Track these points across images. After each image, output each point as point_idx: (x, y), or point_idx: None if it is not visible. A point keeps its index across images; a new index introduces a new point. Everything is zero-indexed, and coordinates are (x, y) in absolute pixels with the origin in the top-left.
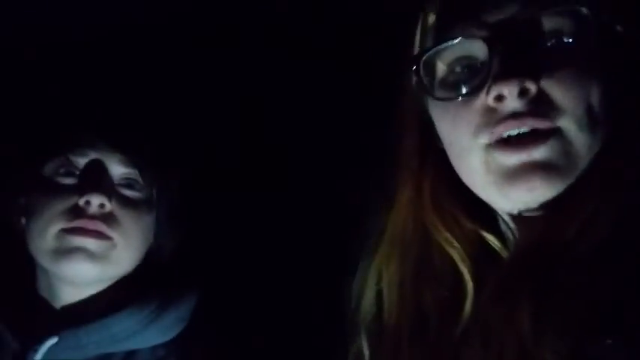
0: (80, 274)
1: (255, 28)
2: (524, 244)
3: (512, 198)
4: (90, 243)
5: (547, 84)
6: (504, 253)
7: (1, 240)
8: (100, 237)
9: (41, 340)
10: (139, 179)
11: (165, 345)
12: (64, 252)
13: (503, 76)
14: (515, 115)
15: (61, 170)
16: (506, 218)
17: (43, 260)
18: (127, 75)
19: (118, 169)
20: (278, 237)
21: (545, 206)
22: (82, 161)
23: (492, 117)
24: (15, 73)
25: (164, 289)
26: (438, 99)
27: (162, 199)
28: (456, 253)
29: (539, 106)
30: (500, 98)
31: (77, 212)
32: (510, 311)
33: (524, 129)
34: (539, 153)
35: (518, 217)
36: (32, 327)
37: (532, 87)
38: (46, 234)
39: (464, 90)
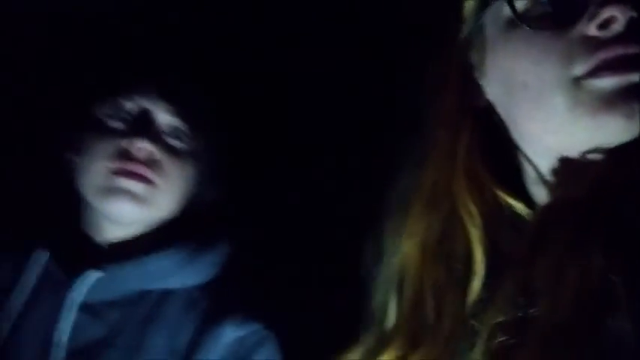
0: (124, 214)
1: None
2: (584, 188)
3: (609, 127)
4: (134, 186)
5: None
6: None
7: (51, 176)
8: (144, 181)
9: (88, 273)
10: (186, 131)
11: (199, 287)
12: (111, 192)
13: (613, 1)
14: (620, 39)
15: (111, 112)
16: (551, 175)
17: (91, 197)
18: (184, 28)
19: (165, 118)
20: (311, 194)
21: (610, 150)
22: (131, 106)
23: (592, 44)
24: (73, 16)
25: (200, 235)
26: (532, 27)
27: (207, 153)
28: (474, 230)
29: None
30: (606, 24)
31: (125, 155)
32: (582, 237)
33: (631, 51)
34: (636, 77)
35: (571, 168)
36: (77, 261)
37: (636, 16)
38: (94, 172)
39: (558, 18)
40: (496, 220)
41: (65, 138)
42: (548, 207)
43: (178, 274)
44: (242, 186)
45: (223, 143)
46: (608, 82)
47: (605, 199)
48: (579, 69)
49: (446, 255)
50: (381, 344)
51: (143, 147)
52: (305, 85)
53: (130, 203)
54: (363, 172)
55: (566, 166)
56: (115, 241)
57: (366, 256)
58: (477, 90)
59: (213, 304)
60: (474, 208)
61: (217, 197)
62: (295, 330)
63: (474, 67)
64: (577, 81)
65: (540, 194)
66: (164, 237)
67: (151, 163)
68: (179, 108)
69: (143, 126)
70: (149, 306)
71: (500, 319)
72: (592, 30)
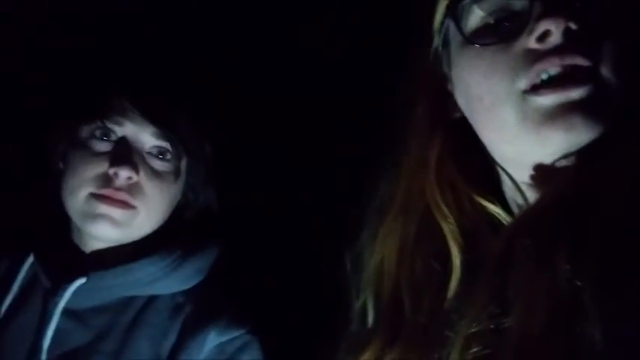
0: (104, 237)
1: None
2: (551, 196)
3: (551, 141)
4: (114, 212)
5: (588, 26)
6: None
7: (40, 183)
8: (124, 206)
9: (71, 280)
10: (172, 150)
11: (184, 293)
12: (91, 216)
13: (549, 14)
14: (557, 51)
15: (97, 133)
16: (522, 182)
17: (73, 216)
18: (166, 49)
19: (150, 140)
20: (294, 201)
21: (578, 154)
22: (117, 129)
23: (532, 57)
24: (60, 34)
25: (187, 242)
26: (479, 44)
27: (192, 169)
28: (449, 230)
29: (581, 44)
30: (544, 37)
31: (106, 180)
32: (547, 247)
33: (567, 61)
34: (577, 93)
35: (538, 175)
36: (64, 268)
37: (574, 27)
38: (77, 195)
39: (503, 34)
40: (473, 223)
41: (54, 148)
42: (518, 218)
43: (164, 280)
44: (227, 193)
45: (209, 155)
46: (547, 100)
47: (572, 207)
48: (523, 82)
49: (423, 255)
50: (361, 343)
51: (125, 174)
52: (291, 91)
53: (110, 227)
54: (342, 180)
55: (535, 174)
56: (101, 249)
57: (346, 259)
58: (450, 101)
59: (198, 310)
60: (447, 211)
61: (203, 205)
62: (279, 335)
63: (446, 79)
64: (523, 95)
65: (517, 200)
66: (150, 243)
67: (131, 187)
68: (166, 131)
69: (126, 151)
70: (134, 312)
71: (474, 329)
72: (532, 43)
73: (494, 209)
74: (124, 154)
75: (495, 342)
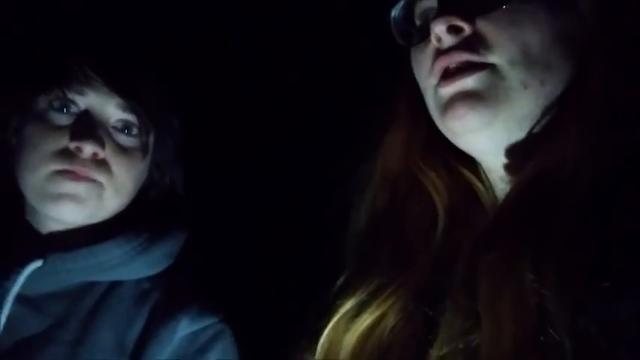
0: (68, 217)
1: None
2: (515, 192)
3: (449, 129)
4: (79, 188)
5: (481, 24)
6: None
7: None
8: (89, 182)
9: (25, 263)
10: (138, 124)
11: (151, 279)
12: (53, 196)
13: (436, 17)
14: (446, 51)
15: (56, 104)
16: (487, 169)
17: (31, 197)
18: (137, 19)
19: (115, 113)
20: (268, 181)
21: (509, 150)
22: (78, 99)
23: (434, 57)
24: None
25: (155, 224)
26: (405, 44)
27: (159, 145)
28: (438, 197)
29: (471, 42)
30: (439, 39)
31: (70, 155)
32: (510, 259)
33: (453, 63)
34: (467, 83)
35: (490, 167)
36: (18, 250)
37: (465, 26)
38: (37, 173)
39: (423, 35)
40: (459, 193)
41: (5, 122)
42: (480, 233)
43: (129, 264)
44: (197, 174)
45: (177, 132)
46: (445, 91)
47: (533, 213)
48: (433, 79)
49: (410, 210)
50: (341, 296)
51: (90, 149)
52: (260, 67)
53: (74, 206)
54: (319, 160)
55: (486, 166)
56: (59, 229)
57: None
58: None
59: (167, 297)
60: (434, 176)
61: (172, 185)
62: (251, 322)
63: None
64: (435, 88)
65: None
66: (115, 225)
67: (96, 162)
68: (131, 103)
69: (90, 124)
70: (95, 298)
71: (446, 350)
72: (434, 43)
73: (479, 186)
74: (88, 127)
75: (468, 359)
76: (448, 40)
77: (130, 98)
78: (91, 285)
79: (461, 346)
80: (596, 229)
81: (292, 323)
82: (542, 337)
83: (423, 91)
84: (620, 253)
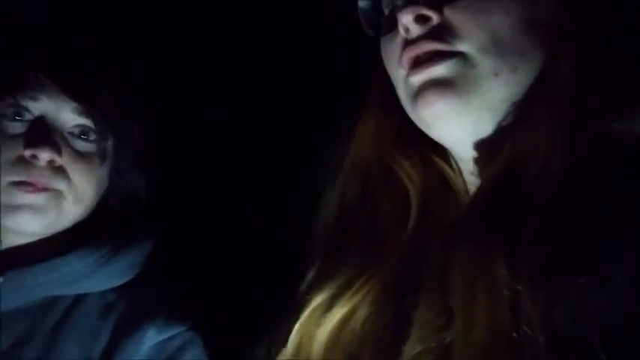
0: (27, 228)
1: None
2: (486, 184)
3: (420, 118)
4: (37, 198)
5: (449, 12)
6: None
7: None
8: (48, 191)
9: None
10: (96, 129)
11: (116, 290)
12: (10, 208)
13: (403, 7)
14: (414, 40)
15: (8, 112)
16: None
17: None
18: (89, 20)
19: (71, 118)
20: (234, 186)
21: (484, 142)
22: (32, 106)
23: (403, 46)
24: None
25: (118, 234)
26: (374, 35)
27: (118, 150)
28: (412, 186)
29: (439, 31)
30: (407, 29)
31: (26, 164)
32: (482, 254)
33: (421, 53)
34: (437, 71)
35: (462, 159)
36: None
37: (433, 15)
38: None
39: (391, 25)
40: (434, 183)
41: None
42: (451, 227)
43: (92, 277)
44: (160, 180)
45: (137, 136)
46: (414, 80)
47: (503, 206)
48: (402, 69)
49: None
50: (312, 292)
51: (46, 156)
52: (225, 65)
53: (33, 216)
54: (285, 164)
55: (457, 157)
56: (18, 243)
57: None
58: None
59: (133, 307)
60: (408, 164)
61: (134, 191)
62: (220, 328)
63: None
64: (406, 78)
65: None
66: (75, 237)
67: (54, 170)
68: (87, 107)
69: (45, 131)
70: (59, 314)
71: (421, 347)
72: (403, 34)
73: (453, 176)
74: (42, 133)
75: (442, 356)
76: (416, 30)
77: (85, 102)
78: (56, 300)
79: (434, 344)
80: (568, 220)
81: (263, 327)
82: (515, 333)
83: (393, 81)
84: (593, 245)
